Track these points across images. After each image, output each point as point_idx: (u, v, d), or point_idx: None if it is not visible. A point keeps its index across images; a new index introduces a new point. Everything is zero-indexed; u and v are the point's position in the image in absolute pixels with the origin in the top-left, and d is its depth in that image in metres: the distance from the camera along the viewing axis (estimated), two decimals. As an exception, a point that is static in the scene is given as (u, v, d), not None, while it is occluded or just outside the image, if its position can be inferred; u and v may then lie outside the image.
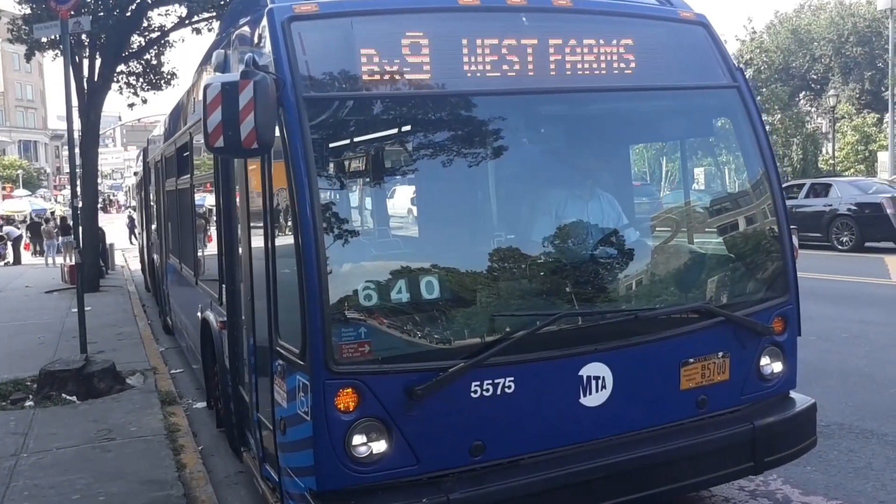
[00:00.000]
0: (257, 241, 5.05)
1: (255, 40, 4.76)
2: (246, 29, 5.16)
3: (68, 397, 9.10)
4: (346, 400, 4.15)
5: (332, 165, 4.71)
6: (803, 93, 57.41)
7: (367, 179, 5.14)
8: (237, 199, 5.68)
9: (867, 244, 21.25)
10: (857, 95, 52.18)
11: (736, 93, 5.31)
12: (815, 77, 56.13)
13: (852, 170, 42.64)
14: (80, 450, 7.42)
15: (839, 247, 21.27)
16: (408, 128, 4.86)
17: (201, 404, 9.17)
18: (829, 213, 21.57)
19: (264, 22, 4.56)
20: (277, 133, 4.20)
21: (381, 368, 4.24)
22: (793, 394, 5.43)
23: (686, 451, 4.79)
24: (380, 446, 4.22)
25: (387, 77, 4.48)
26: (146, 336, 13.34)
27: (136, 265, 24.87)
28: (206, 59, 7.81)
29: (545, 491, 4.43)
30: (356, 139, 4.82)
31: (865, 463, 6.42)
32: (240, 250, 5.65)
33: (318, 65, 4.42)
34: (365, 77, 4.45)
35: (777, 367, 5.24)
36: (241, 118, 4.03)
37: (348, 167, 4.92)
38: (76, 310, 10.96)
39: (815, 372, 8.44)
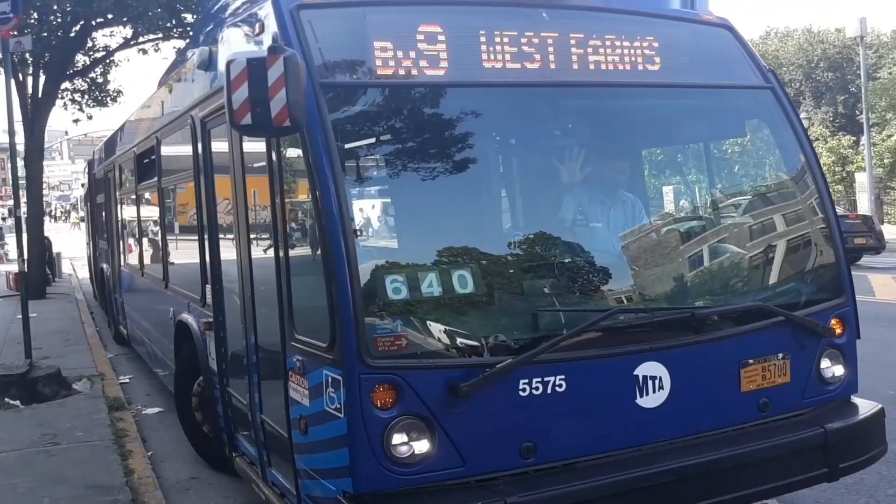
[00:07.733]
0: (262, 236, 4.86)
1: (256, 31, 4.57)
2: (241, 23, 5.00)
3: (11, 402, 8.83)
4: (383, 396, 3.90)
5: (353, 152, 4.50)
6: (774, 115, 57.63)
7: (391, 166, 4.82)
8: (232, 197, 5.40)
9: None
10: (831, 118, 51.71)
11: (771, 93, 5.22)
12: (785, 100, 56.38)
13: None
14: (23, 454, 7.15)
15: None
16: (427, 117, 4.67)
17: (151, 410, 8.93)
18: None
19: (268, 10, 4.40)
20: None
21: (420, 363, 3.99)
22: (854, 399, 5.25)
23: (757, 454, 4.53)
24: (422, 446, 3.96)
25: (401, 68, 4.31)
26: (94, 342, 12.99)
27: (84, 273, 24.34)
28: (175, 66, 7.84)
29: (608, 496, 4.16)
30: (376, 127, 4.62)
31: (857, 479, 6.20)
32: (234, 247, 5.38)
33: (329, 53, 4.24)
34: (378, 66, 4.27)
35: (838, 370, 5.07)
36: (270, 95, 3.79)
37: (371, 154, 4.68)
38: (21, 316, 10.67)
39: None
